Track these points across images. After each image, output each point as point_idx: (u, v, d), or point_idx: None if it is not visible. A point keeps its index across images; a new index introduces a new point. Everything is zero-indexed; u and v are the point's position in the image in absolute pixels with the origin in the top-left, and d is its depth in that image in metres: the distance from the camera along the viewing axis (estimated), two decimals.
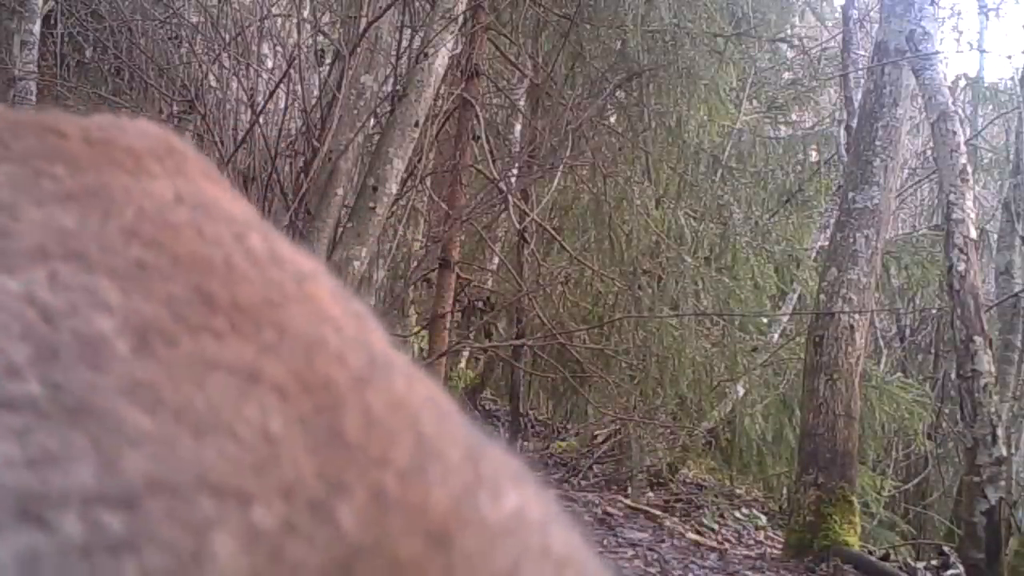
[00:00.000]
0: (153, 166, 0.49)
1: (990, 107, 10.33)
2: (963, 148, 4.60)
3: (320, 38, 6.18)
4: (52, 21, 6.43)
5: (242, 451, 0.33)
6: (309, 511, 0.32)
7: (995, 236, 8.57)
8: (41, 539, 0.32)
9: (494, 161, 5.99)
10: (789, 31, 8.19)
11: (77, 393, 0.35)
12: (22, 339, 0.38)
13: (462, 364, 7.79)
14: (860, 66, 7.24)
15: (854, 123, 6.18)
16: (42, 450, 0.34)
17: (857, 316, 4.94)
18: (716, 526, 5.31)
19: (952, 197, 4.44)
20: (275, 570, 0.31)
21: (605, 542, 4.45)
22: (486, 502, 0.35)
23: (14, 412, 0.35)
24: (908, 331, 9.51)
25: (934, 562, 4.98)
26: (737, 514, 5.69)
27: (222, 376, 0.36)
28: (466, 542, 0.33)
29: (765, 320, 7.13)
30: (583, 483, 5.64)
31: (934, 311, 8.53)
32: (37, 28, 6.02)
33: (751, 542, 5.25)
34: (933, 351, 9.12)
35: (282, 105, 5.20)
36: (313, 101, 4.98)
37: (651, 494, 5.74)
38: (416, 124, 4.64)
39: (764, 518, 5.72)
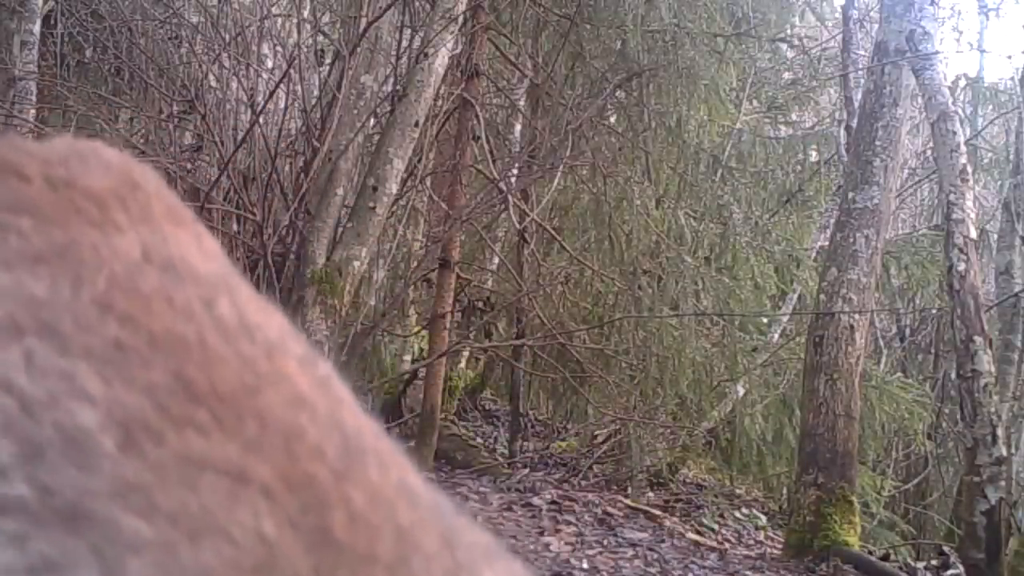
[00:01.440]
0: (118, 215, 0.49)
1: (990, 107, 10.32)
2: (963, 148, 4.60)
3: (320, 38, 6.18)
4: (52, 21, 6.43)
5: (240, 554, 0.34)
6: None
7: (995, 236, 8.56)
8: None
9: (494, 161, 5.98)
10: (789, 31, 8.19)
11: (69, 497, 0.35)
12: (4, 434, 0.37)
13: (462, 364, 7.77)
14: (860, 66, 7.24)
15: (854, 123, 6.18)
16: (42, 558, 0.34)
17: (857, 316, 4.94)
18: (716, 526, 5.31)
19: (952, 197, 4.43)
20: None
21: (605, 542, 4.44)
22: None
23: (6, 516, 0.35)
24: (908, 331, 9.51)
25: (934, 562, 4.98)
26: (737, 514, 5.69)
27: (212, 477, 0.36)
28: None
29: (765, 320, 7.13)
30: (583, 483, 5.64)
31: (934, 311, 8.53)
32: (37, 28, 6.02)
33: (751, 542, 5.24)
34: (933, 351, 9.12)
35: (282, 105, 5.20)
36: (313, 101, 4.99)
37: (651, 494, 5.74)
38: (416, 124, 4.64)
39: (764, 518, 5.72)
